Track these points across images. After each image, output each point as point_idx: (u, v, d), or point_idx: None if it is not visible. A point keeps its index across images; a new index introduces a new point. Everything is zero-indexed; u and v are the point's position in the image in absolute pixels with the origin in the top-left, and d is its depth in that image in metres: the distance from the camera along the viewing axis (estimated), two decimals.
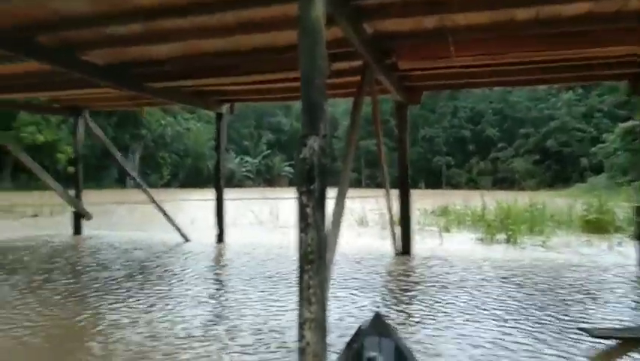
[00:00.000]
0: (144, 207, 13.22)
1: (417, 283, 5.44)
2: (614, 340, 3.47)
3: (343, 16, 3.91)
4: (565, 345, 3.41)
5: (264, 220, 13.13)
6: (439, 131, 57.04)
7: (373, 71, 5.19)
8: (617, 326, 3.86)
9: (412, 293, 4.96)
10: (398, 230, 7.47)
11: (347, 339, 2.73)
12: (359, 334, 2.62)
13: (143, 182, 10.03)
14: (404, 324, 3.82)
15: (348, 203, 4.37)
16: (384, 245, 8.22)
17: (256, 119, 70.11)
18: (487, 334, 3.62)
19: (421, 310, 4.27)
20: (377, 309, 4.28)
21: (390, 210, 7.18)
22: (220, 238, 8.93)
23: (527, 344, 3.42)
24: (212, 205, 9.17)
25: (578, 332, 3.59)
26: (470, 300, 4.60)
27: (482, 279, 5.58)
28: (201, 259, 7.10)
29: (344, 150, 4.68)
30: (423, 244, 8.54)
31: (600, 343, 3.43)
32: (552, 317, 4.06)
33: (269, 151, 66.80)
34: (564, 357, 3.20)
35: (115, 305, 4.39)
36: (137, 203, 17.62)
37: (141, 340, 3.39)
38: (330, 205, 3.13)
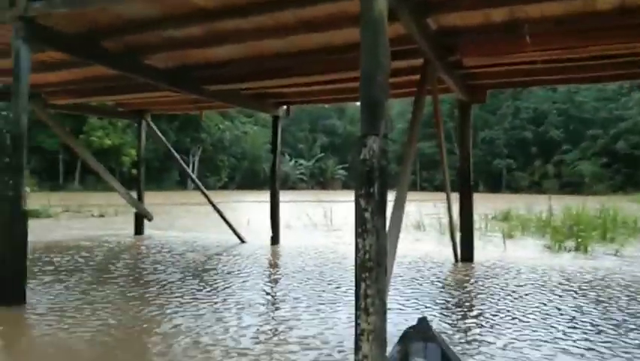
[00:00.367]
0: (202, 208, 13.52)
1: (479, 294, 5.11)
2: None
3: (406, 11, 3.73)
4: None
5: (318, 223, 13.07)
6: (500, 132, 55.07)
7: (435, 69, 4.95)
8: None
9: (474, 306, 4.64)
10: (458, 236, 7.14)
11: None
12: (404, 339, 2.48)
13: (202, 184, 10.24)
14: (462, 341, 3.52)
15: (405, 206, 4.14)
16: (444, 251, 7.90)
17: (311, 123, 70.71)
18: None
19: (482, 325, 3.94)
20: (435, 320, 4.05)
21: (450, 214, 6.86)
22: (275, 240, 8.92)
23: None
24: (266, 207, 9.19)
25: None
26: (539, 317, 4.17)
27: (551, 292, 5.15)
28: (256, 261, 7.08)
29: (403, 152, 4.47)
30: (485, 250, 8.14)
31: None
32: None
33: (322, 154, 67.12)
34: None
35: (168, 311, 4.40)
36: (195, 204, 18.10)
37: (187, 350, 3.31)
38: (388, 209, 2.96)
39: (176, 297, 4.75)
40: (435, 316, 4.20)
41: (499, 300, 4.78)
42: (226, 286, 5.34)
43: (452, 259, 7.09)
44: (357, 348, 2.61)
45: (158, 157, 40.14)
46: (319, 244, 9.01)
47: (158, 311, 4.23)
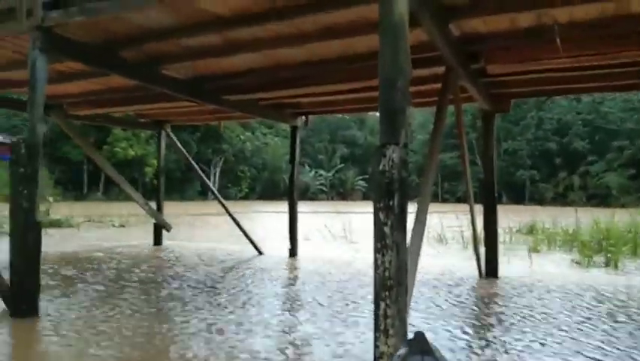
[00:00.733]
0: (222, 219, 13.46)
1: (505, 314, 4.82)
2: None
3: (427, 15, 3.58)
4: None
5: (337, 234, 12.87)
6: (523, 143, 54.11)
7: (458, 77, 4.77)
8: None
9: (500, 327, 4.38)
10: (482, 250, 6.88)
11: None
12: (400, 354, 2.36)
13: (221, 194, 10.20)
14: None
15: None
16: (467, 266, 7.63)
17: (330, 133, 70.73)
18: None
19: (511, 349, 3.70)
20: (457, 343, 3.83)
21: (474, 227, 6.62)
22: (292, 252, 8.78)
23: None
24: (285, 218, 9.07)
25: None
26: (569, 344, 3.84)
27: (583, 311, 4.86)
28: (272, 275, 6.93)
29: (425, 162, 4.29)
30: (510, 265, 7.83)
31: None
32: None
33: (342, 165, 66.98)
34: None
35: (182, 325, 4.28)
36: (215, 215, 18.09)
37: None
38: (409, 223, 2.78)
39: (188, 313, 4.63)
40: (456, 338, 3.98)
41: (526, 322, 4.48)
42: (240, 303, 5.20)
43: (476, 275, 6.82)
44: None
45: (180, 168, 40.54)
46: (337, 258, 8.82)
47: (169, 327, 4.12)
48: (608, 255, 8.36)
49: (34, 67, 4.30)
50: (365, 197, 67.53)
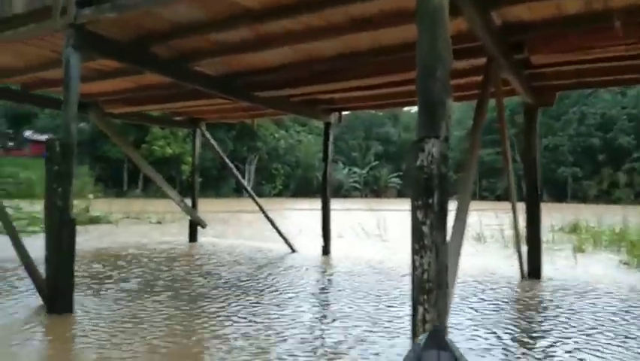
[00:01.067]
0: (255, 216, 13.48)
1: (548, 319, 4.54)
2: None
3: (468, 3, 3.37)
4: None
5: (370, 232, 12.67)
6: (564, 139, 52.31)
7: (500, 68, 4.52)
8: None
9: (545, 333, 4.12)
10: (524, 249, 6.57)
11: None
12: (415, 349, 2.23)
13: (255, 192, 10.18)
14: None
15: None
16: (507, 266, 7.33)
17: (364, 130, 70.32)
18: None
19: (556, 358, 3.45)
20: (498, 350, 3.61)
21: (517, 225, 6.32)
22: (326, 250, 8.66)
23: None
24: (318, 215, 8.95)
25: None
26: (626, 354, 3.53)
27: (636, 322, 4.51)
28: (305, 273, 6.82)
29: (465, 157, 4.07)
30: (553, 265, 7.47)
31: None
32: None
33: (377, 162, 66.47)
34: None
35: (215, 322, 4.22)
36: (249, 212, 18.18)
37: None
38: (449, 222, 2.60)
39: (221, 311, 4.57)
40: (494, 345, 3.76)
41: (572, 329, 4.17)
42: (271, 302, 5.11)
43: (517, 275, 6.52)
44: None
45: (216, 166, 41.10)
46: (371, 256, 8.64)
47: (204, 324, 4.06)
48: None
49: (68, 65, 4.32)
50: (400, 194, 66.83)
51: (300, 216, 19.37)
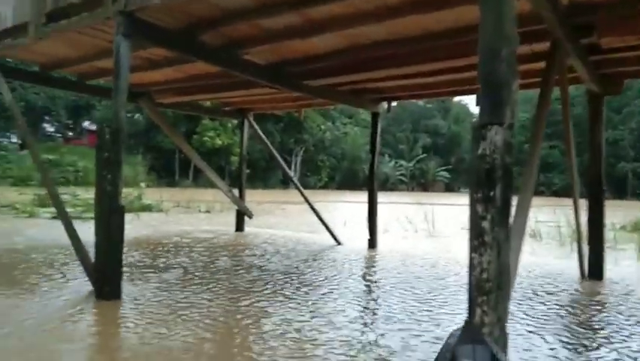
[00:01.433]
0: (302, 207, 13.46)
1: (613, 324, 4.19)
2: None
3: None
4: None
5: (418, 226, 12.36)
6: (625, 133, 49.46)
7: (566, 53, 4.18)
8: None
9: (605, 340, 3.80)
10: (585, 248, 6.15)
11: None
12: (450, 342, 2.20)
13: (301, 183, 10.14)
14: None
15: None
16: (565, 265, 6.91)
17: (412, 122, 69.17)
18: None
19: None
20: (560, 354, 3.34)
21: (578, 223, 5.92)
22: (371, 243, 8.48)
23: None
24: (364, 208, 8.77)
25: None
26: None
27: None
28: (352, 267, 6.67)
29: (528, 150, 3.78)
30: (616, 265, 6.99)
31: None
32: None
33: (424, 155, 65.25)
34: None
35: (261, 313, 4.16)
36: (296, 203, 18.22)
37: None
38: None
39: (265, 301, 4.51)
40: (561, 346, 3.48)
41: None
42: (317, 296, 5.00)
43: (577, 275, 6.12)
44: None
45: (265, 157, 41.60)
46: (419, 251, 8.38)
47: (248, 312, 4.01)
48: None
49: (118, 52, 4.34)
50: (448, 188, 65.42)
51: (345, 209, 19.22)
